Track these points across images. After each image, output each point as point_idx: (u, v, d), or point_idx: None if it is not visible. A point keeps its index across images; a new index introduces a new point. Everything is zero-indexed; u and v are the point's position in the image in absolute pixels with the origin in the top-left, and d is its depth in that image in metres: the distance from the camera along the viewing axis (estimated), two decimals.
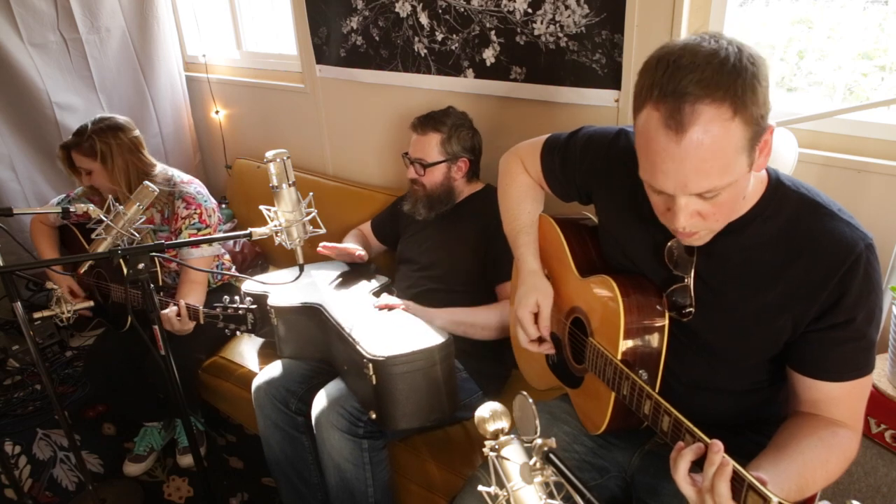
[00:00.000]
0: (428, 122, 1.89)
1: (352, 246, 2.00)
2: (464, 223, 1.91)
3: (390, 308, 1.74)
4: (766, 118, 0.87)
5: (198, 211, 2.06)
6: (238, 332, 1.76)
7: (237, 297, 1.79)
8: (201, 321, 1.78)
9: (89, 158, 1.99)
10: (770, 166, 1.01)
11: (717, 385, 1.11)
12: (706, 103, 0.83)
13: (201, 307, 1.79)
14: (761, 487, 0.79)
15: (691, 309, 1.06)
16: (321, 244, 1.93)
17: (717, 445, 0.84)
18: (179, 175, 2.15)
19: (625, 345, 1.07)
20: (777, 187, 0.99)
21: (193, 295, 2.01)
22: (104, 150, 1.99)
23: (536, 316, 1.29)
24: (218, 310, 1.73)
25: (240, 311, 1.72)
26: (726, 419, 1.12)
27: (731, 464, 0.82)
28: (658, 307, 1.08)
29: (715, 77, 0.83)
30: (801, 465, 0.94)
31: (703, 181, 0.87)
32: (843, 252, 0.93)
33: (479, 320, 1.75)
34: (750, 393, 1.11)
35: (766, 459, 0.94)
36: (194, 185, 2.13)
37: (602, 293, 1.14)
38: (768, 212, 0.98)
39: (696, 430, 0.88)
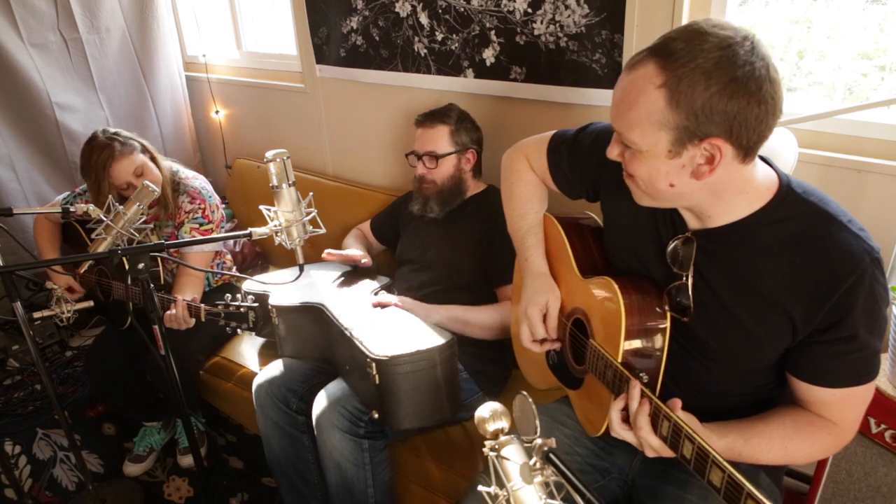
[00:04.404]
0: (434, 115, 1.91)
1: (357, 253, 2.00)
2: (466, 223, 1.91)
3: (384, 306, 1.74)
4: (701, 130, 0.89)
5: (201, 206, 2.07)
6: (239, 331, 1.76)
7: (238, 296, 1.79)
8: (202, 318, 1.78)
9: (137, 153, 1.97)
10: (781, 171, 1.01)
11: (716, 389, 1.11)
12: (653, 62, 0.90)
13: (203, 304, 1.79)
14: (671, 412, 0.92)
15: (690, 307, 1.05)
16: (326, 251, 1.94)
17: (635, 382, 0.98)
18: (184, 171, 2.16)
19: (625, 347, 1.06)
20: (787, 193, 0.98)
21: (190, 288, 2.01)
22: (134, 143, 1.99)
23: (544, 316, 1.29)
24: (220, 307, 1.73)
25: (241, 309, 1.72)
26: None
27: (650, 398, 0.96)
28: (659, 309, 1.07)
29: (688, 55, 0.86)
30: (760, 432, 1.00)
31: (618, 118, 0.96)
32: (849, 264, 0.91)
33: (476, 319, 1.75)
34: (750, 397, 1.11)
35: (736, 420, 1.02)
36: (199, 181, 2.14)
37: (603, 294, 1.14)
38: (775, 216, 0.97)
39: (694, 434, 0.88)
